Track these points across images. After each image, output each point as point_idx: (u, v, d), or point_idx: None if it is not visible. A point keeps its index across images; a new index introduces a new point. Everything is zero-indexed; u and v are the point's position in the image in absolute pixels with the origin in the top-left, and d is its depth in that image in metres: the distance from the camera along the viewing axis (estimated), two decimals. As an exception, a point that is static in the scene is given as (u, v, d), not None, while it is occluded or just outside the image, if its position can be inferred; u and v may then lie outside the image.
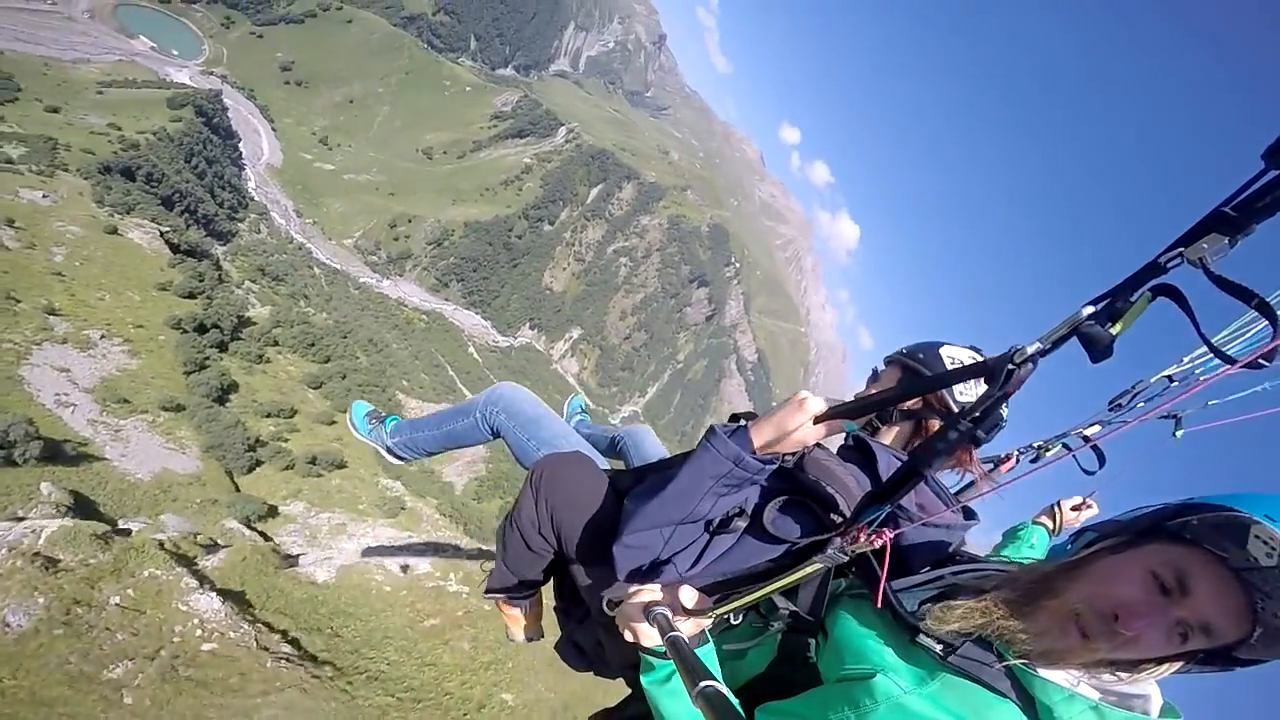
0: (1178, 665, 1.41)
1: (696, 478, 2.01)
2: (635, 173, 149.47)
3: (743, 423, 2.07)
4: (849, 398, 1.98)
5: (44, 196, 62.30)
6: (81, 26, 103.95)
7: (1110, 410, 2.29)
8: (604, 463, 2.97)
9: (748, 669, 2.03)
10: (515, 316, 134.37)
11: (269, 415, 50.33)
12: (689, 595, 1.81)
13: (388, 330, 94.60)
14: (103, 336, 47.00)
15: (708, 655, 1.79)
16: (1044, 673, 1.45)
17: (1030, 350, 1.42)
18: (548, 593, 3.07)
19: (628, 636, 1.85)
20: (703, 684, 1.36)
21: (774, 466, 2.00)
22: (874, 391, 2.35)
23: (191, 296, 56.85)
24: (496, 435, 3.44)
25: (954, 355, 2.56)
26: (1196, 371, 1.74)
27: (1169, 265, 1.32)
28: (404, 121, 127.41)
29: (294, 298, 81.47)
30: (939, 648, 1.53)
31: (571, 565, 2.58)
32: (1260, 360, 1.26)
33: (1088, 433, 2.64)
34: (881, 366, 2.77)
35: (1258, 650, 1.34)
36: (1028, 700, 1.45)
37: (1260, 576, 1.30)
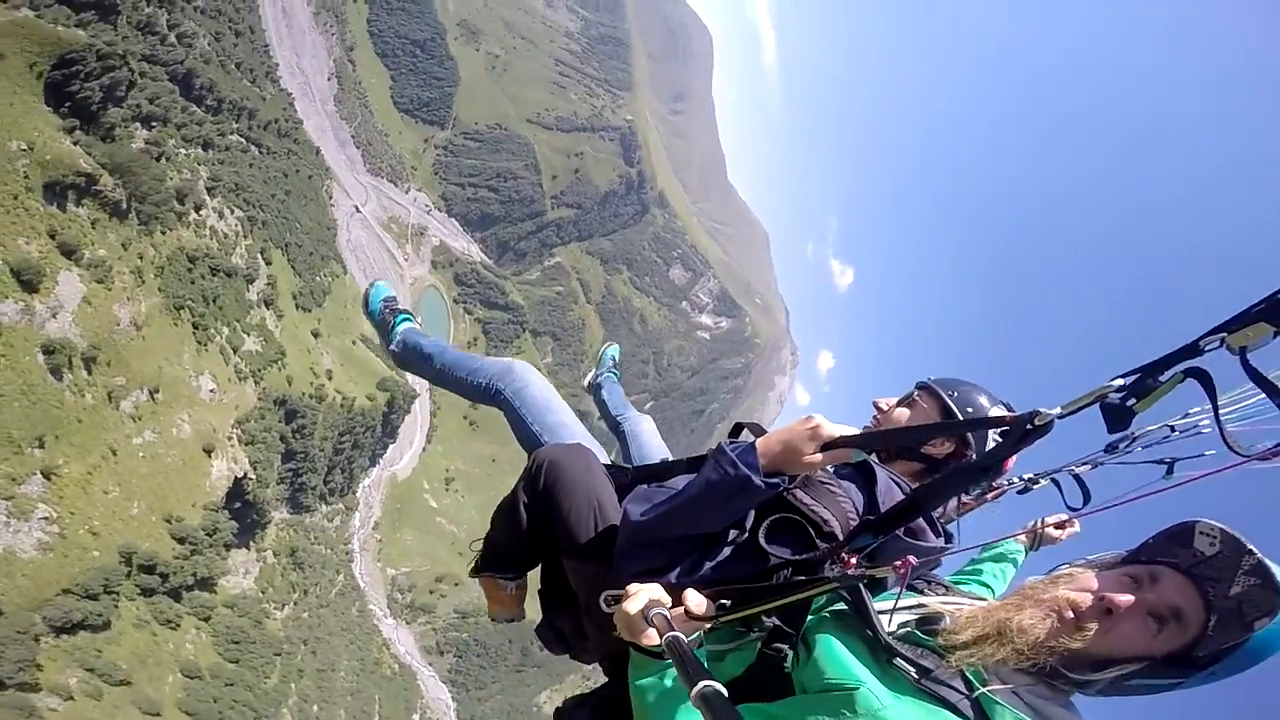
0: (1141, 665, 1.56)
1: (703, 497, 2.10)
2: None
3: (751, 440, 2.14)
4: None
5: (211, 391, 66.61)
6: (401, 287, 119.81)
7: (1106, 452, 2.27)
8: (602, 453, 2.99)
9: (725, 672, 2.03)
10: (489, 715, 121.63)
11: (92, 670, 46.26)
12: (696, 600, 1.89)
13: (351, 659, 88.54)
14: (44, 518, 46.33)
15: (700, 658, 1.77)
16: (1002, 700, 1.56)
17: (1051, 415, 1.52)
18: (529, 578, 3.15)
19: (625, 635, 1.89)
20: (702, 684, 1.38)
21: (779, 489, 2.05)
22: (896, 413, 2.66)
23: (181, 541, 55.95)
24: (493, 404, 3.42)
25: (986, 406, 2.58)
26: (1201, 424, 1.72)
27: (1207, 349, 1.36)
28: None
29: (293, 589, 78.48)
30: (913, 671, 1.64)
31: (563, 555, 2.59)
32: (1268, 455, 1.40)
33: (1079, 470, 2.56)
34: (915, 391, 2.74)
35: (1216, 640, 1.50)
36: None
37: (1208, 566, 1.53)
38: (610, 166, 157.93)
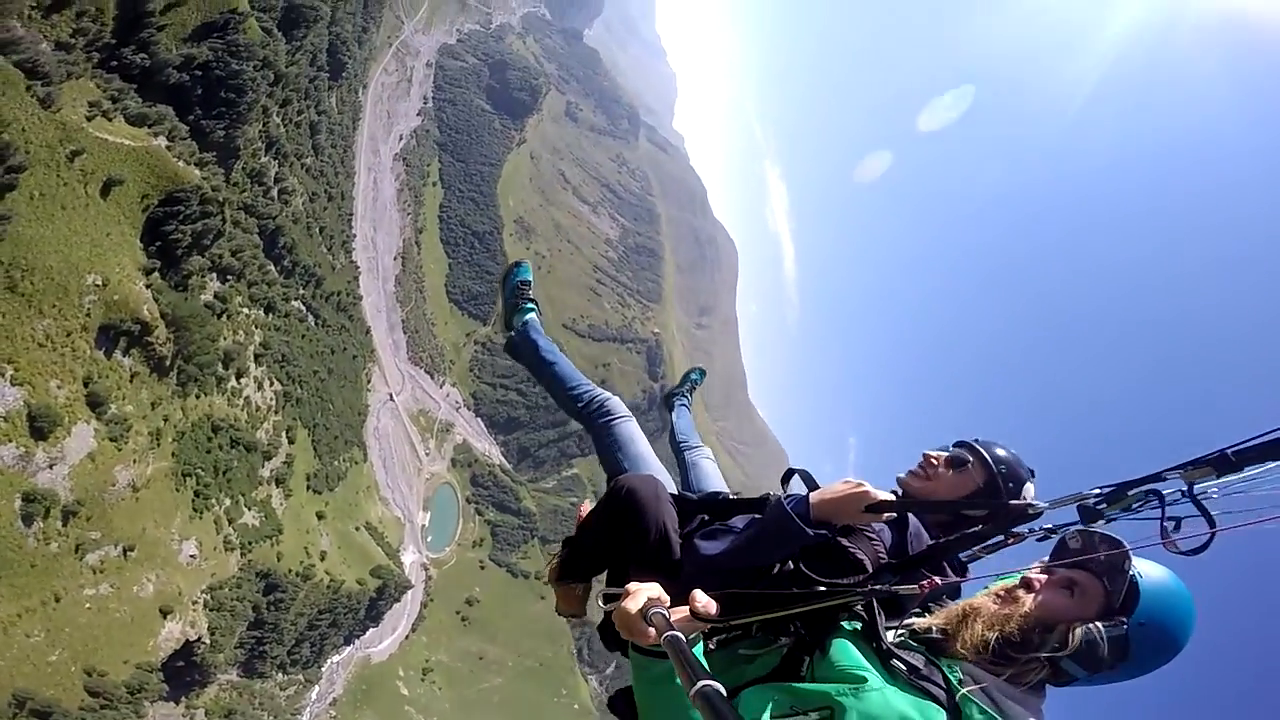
0: (1084, 626, 2.09)
1: (762, 540, 2.57)
2: None
3: (806, 494, 2.59)
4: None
5: (192, 557, 61.69)
6: (420, 477, 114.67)
7: (1122, 510, 2.62)
8: (672, 483, 3.41)
9: (752, 672, 2.32)
10: None
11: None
12: (703, 600, 2.05)
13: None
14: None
15: (698, 655, 1.94)
16: (975, 697, 1.99)
17: (1042, 506, 2.34)
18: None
19: (624, 634, 1.99)
20: (702, 683, 1.40)
21: (826, 539, 2.48)
22: (943, 477, 2.95)
23: (95, 695, 50.57)
24: (585, 421, 3.87)
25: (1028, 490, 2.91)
26: (1211, 491, 2.12)
27: (1167, 478, 1.98)
28: (502, 699, 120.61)
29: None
30: (906, 670, 2.07)
31: (631, 567, 2.85)
32: (1190, 552, 1.98)
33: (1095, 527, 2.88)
34: (970, 457, 2.96)
35: (1116, 590, 2.09)
36: (958, 715, 1.97)
37: (1081, 554, 2.19)
38: (635, 380, 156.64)
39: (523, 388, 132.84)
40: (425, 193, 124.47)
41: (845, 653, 2.16)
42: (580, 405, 3.88)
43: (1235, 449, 1.85)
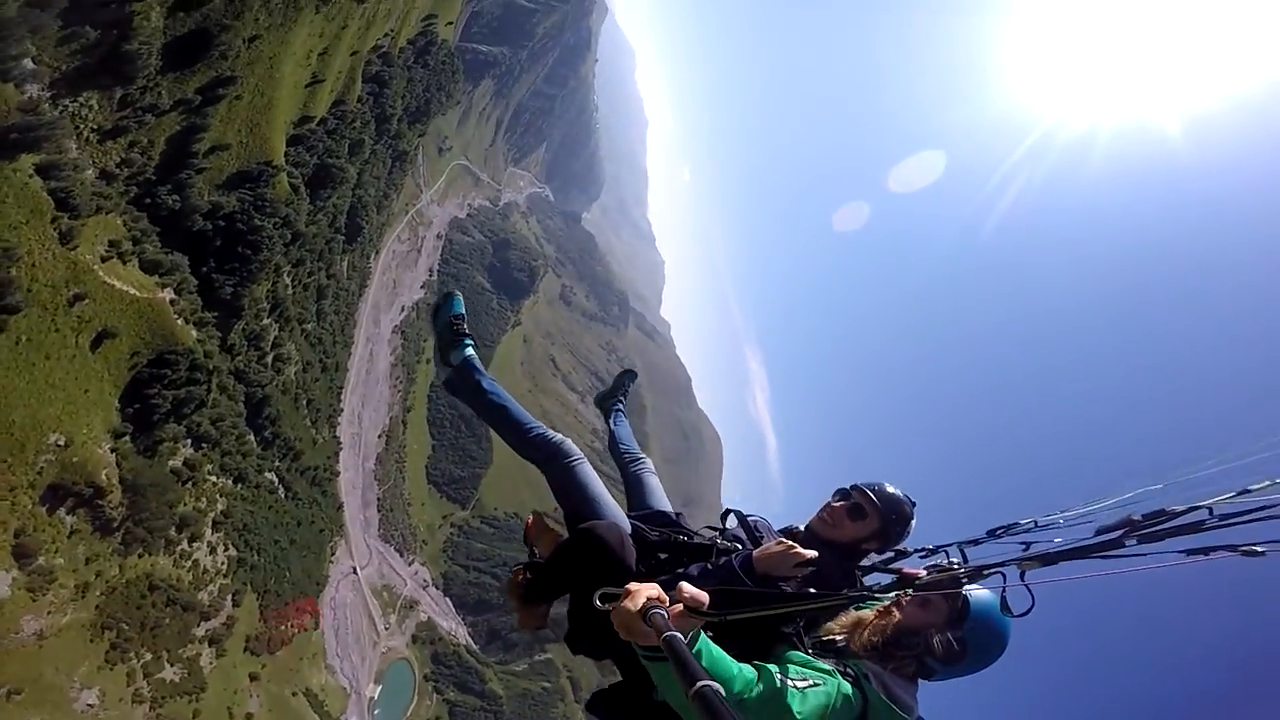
0: (936, 632, 2.97)
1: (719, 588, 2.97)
2: None
3: (749, 551, 3.39)
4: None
5: (90, 706, 56.15)
6: (375, 650, 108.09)
7: (989, 536, 3.21)
8: (626, 522, 3.85)
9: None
10: None
11: None
12: (690, 591, 2.18)
13: None
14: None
15: (705, 647, 2.17)
16: (872, 683, 2.77)
17: (922, 576, 3.08)
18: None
19: (624, 635, 2.05)
20: (699, 684, 1.44)
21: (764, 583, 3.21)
22: (845, 525, 3.67)
23: None
24: (540, 459, 4.12)
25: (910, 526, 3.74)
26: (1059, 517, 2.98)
27: (1009, 565, 2.61)
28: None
29: None
30: (831, 665, 2.82)
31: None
32: (1020, 614, 2.62)
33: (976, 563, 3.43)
34: (867, 509, 3.65)
35: (953, 604, 2.99)
36: (863, 696, 2.71)
37: (937, 586, 2.98)
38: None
39: (498, 571, 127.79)
40: (418, 369, 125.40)
41: (800, 657, 2.87)
42: (539, 443, 4.12)
43: (1053, 551, 2.55)
